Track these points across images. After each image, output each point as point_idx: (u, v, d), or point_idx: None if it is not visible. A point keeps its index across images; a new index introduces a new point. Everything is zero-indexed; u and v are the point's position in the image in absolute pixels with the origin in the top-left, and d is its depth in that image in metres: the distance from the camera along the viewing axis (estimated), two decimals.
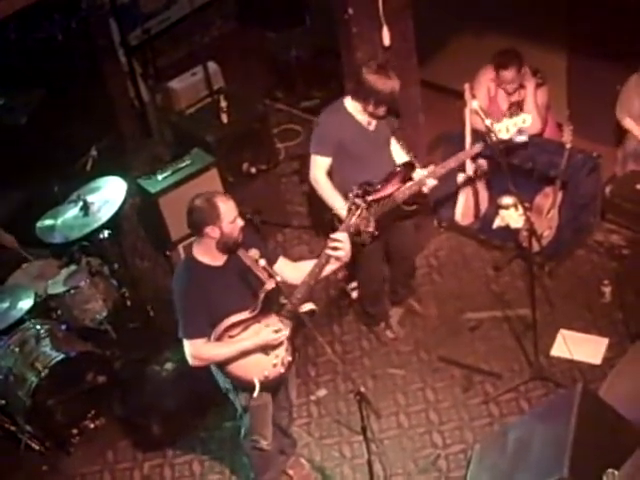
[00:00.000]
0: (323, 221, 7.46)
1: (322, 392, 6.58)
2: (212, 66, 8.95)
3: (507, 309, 6.82)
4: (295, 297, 5.01)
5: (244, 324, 5.00)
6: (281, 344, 5.10)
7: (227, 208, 4.91)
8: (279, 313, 5.08)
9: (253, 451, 5.58)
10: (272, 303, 5.03)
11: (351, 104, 5.98)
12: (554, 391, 6.19)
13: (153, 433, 6.39)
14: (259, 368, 5.07)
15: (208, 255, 4.99)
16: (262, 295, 4.96)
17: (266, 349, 5.06)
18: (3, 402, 6.35)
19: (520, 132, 6.79)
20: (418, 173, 6.09)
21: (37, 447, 6.33)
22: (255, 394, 5.08)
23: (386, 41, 6.23)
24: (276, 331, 5.03)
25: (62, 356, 6.26)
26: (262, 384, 5.08)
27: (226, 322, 4.97)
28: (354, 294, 7.15)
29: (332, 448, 6.22)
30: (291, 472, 6.02)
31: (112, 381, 6.48)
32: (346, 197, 5.98)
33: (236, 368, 5.06)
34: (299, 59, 9.27)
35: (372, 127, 6.02)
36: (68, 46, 8.14)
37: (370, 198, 5.96)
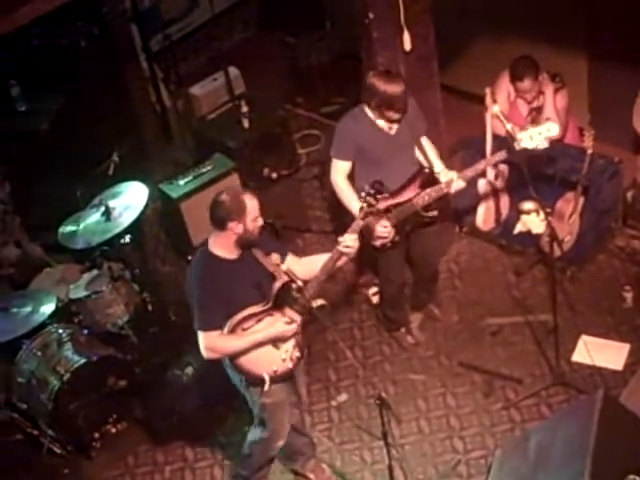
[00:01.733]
0: (343, 225, 7.49)
1: (343, 397, 6.58)
2: (233, 71, 8.97)
3: (528, 314, 6.80)
4: (307, 292, 5.09)
5: (257, 317, 5.10)
6: (291, 338, 5.18)
7: (252, 205, 5.01)
8: (291, 307, 5.16)
9: (262, 454, 5.64)
10: (284, 297, 5.12)
11: (370, 110, 5.97)
12: (575, 397, 6.17)
13: (174, 437, 6.42)
14: (268, 363, 5.15)
15: (224, 249, 5.06)
16: (275, 289, 5.06)
17: (277, 342, 5.15)
18: (25, 406, 6.38)
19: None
20: (447, 174, 6.06)
21: (59, 451, 6.36)
22: (266, 388, 5.15)
23: (407, 46, 6.23)
24: (288, 323, 5.13)
25: (84, 360, 6.29)
26: (272, 379, 5.16)
27: (240, 315, 5.05)
28: (375, 299, 7.15)
29: (353, 453, 6.21)
30: (312, 476, 6.04)
31: (133, 385, 6.51)
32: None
33: (246, 362, 5.13)
34: (320, 64, 9.26)
35: (393, 131, 6.01)
36: (90, 52, 8.19)
37: (389, 203, 6.01)
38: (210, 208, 5.05)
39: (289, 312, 5.16)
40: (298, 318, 5.17)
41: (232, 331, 5.03)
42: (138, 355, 6.73)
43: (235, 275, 5.05)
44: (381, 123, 5.97)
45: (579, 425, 5.12)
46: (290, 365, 5.24)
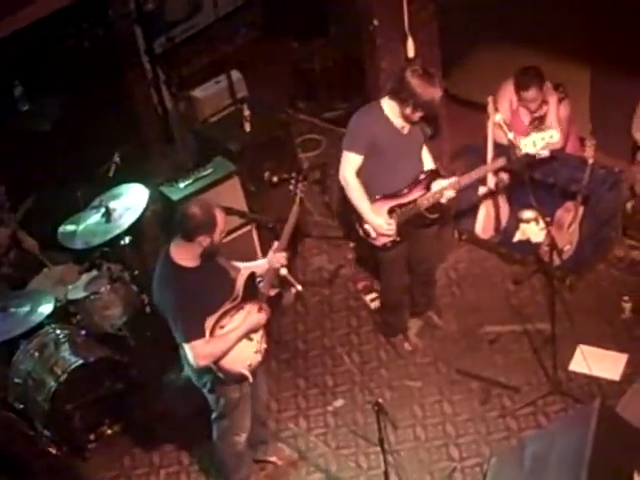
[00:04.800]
0: (343, 231, 7.50)
1: (339, 402, 6.57)
2: (236, 75, 8.97)
3: (526, 323, 6.80)
4: (267, 283, 5.42)
5: (229, 313, 5.22)
6: (261, 327, 5.36)
7: (222, 220, 5.10)
8: (256, 297, 5.35)
9: (230, 450, 5.71)
10: (250, 289, 5.31)
11: (388, 106, 5.95)
12: (572, 406, 6.17)
13: (170, 440, 6.42)
14: (243, 358, 5.29)
15: (188, 259, 5.15)
16: (241, 283, 5.25)
17: (250, 334, 5.30)
18: (21, 406, 6.38)
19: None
20: (439, 184, 6.09)
21: (54, 451, 6.34)
22: (251, 380, 5.32)
23: (410, 53, 6.24)
24: (259, 310, 5.31)
25: (81, 361, 6.29)
26: (251, 374, 5.33)
27: (215, 315, 5.16)
28: (373, 305, 7.16)
29: (348, 459, 6.21)
30: (274, 459, 6.15)
31: (130, 387, 6.50)
32: (371, 198, 6.04)
33: (225, 362, 5.22)
34: (322, 69, 9.28)
35: (406, 131, 6.01)
36: (94, 53, 8.20)
37: (394, 203, 6.06)
38: (179, 219, 5.13)
39: (255, 302, 5.34)
40: (265, 305, 5.37)
41: (211, 333, 5.14)
42: (135, 357, 6.71)
43: (202, 281, 5.13)
44: (396, 121, 5.97)
45: (575, 435, 5.11)
46: (260, 358, 5.39)
